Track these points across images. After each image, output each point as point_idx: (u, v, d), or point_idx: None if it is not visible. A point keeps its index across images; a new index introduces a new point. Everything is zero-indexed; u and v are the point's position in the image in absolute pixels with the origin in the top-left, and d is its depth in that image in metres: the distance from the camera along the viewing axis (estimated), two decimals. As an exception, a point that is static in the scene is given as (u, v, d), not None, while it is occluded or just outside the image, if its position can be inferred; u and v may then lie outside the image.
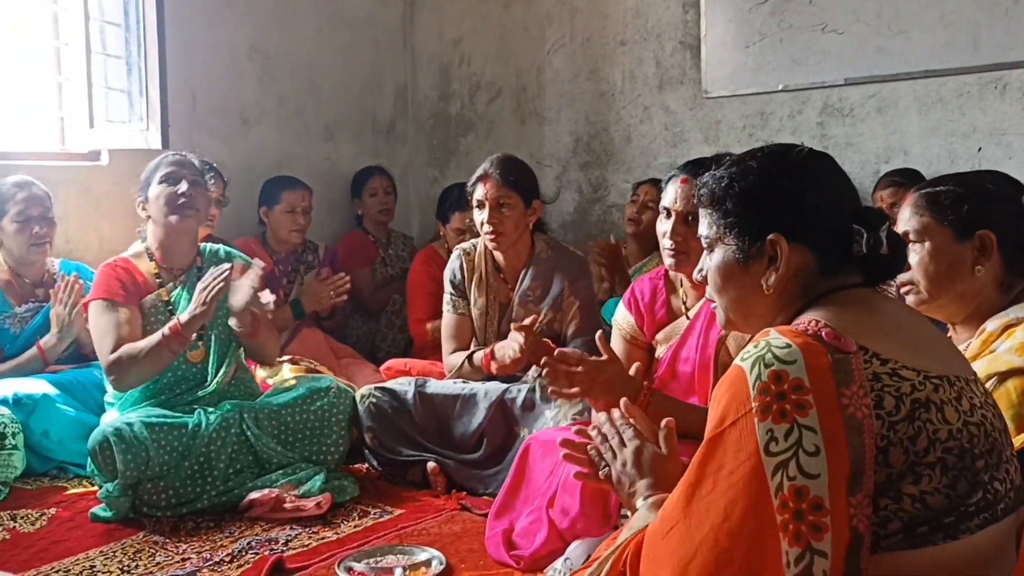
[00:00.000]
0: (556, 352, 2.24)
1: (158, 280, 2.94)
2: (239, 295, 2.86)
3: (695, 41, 4.29)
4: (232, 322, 2.90)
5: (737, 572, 1.12)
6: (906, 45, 3.74)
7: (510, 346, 2.78)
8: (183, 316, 2.76)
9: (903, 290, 1.89)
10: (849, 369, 1.15)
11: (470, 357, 3.05)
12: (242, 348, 3.05)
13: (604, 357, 2.20)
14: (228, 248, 3.16)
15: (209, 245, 3.11)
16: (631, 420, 1.65)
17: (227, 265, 2.80)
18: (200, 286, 2.78)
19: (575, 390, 2.18)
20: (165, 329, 2.75)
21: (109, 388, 2.91)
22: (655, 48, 4.43)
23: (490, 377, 3.02)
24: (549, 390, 2.24)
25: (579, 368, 2.18)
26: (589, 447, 1.67)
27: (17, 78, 3.88)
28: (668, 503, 1.24)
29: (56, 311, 3.22)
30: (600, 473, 1.63)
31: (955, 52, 3.65)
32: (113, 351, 2.77)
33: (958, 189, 1.80)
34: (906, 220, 1.85)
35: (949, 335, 1.91)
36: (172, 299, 2.93)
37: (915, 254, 1.83)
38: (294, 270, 4.13)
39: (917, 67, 3.73)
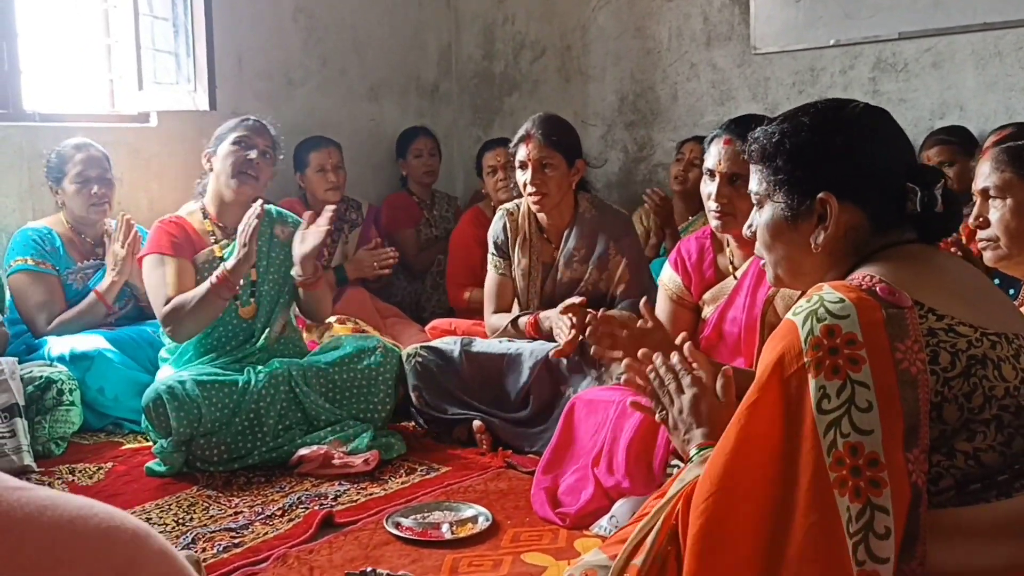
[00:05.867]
0: (600, 314, 2.22)
1: (212, 237, 2.99)
2: (306, 243, 2.91)
3: (744, -4, 4.20)
4: (295, 271, 2.96)
5: (795, 528, 1.10)
6: (963, -4, 3.63)
7: (561, 329, 2.78)
8: (228, 262, 2.82)
9: (980, 245, 1.84)
10: (903, 324, 1.13)
11: (514, 321, 3.05)
12: (293, 305, 3.10)
13: (649, 324, 2.17)
14: (279, 208, 3.20)
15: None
16: (693, 365, 1.60)
17: (258, 202, 2.83)
18: (240, 229, 2.82)
19: (618, 352, 2.16)
20: (213, 277, 2.81)
21: (166, 341, 2.98)
22: (703, 3, 4.35)
23: (535, 337, 3.03)
24: (593, 350, 2.22)
25: (624, 332, 2.16)
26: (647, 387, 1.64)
27: (67, 40, 3.93)
28: (714, 455, 1.22)
29: (113, 249, 3.30)
30: (656, 416, 1.60)
31: (1015, 3, 3.52)
32: (167, 303, 2.83)
33: None
34: (986, 176, 1.79)
35: None
36: (225, 256, 2.97)
37: (996, 211, 1.78)
38: (338, 229, 4.13)
39: (975, 19, 3.61)
